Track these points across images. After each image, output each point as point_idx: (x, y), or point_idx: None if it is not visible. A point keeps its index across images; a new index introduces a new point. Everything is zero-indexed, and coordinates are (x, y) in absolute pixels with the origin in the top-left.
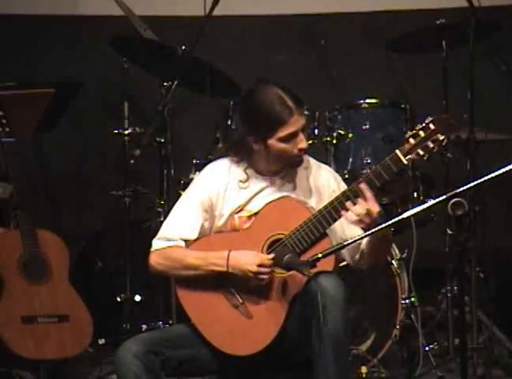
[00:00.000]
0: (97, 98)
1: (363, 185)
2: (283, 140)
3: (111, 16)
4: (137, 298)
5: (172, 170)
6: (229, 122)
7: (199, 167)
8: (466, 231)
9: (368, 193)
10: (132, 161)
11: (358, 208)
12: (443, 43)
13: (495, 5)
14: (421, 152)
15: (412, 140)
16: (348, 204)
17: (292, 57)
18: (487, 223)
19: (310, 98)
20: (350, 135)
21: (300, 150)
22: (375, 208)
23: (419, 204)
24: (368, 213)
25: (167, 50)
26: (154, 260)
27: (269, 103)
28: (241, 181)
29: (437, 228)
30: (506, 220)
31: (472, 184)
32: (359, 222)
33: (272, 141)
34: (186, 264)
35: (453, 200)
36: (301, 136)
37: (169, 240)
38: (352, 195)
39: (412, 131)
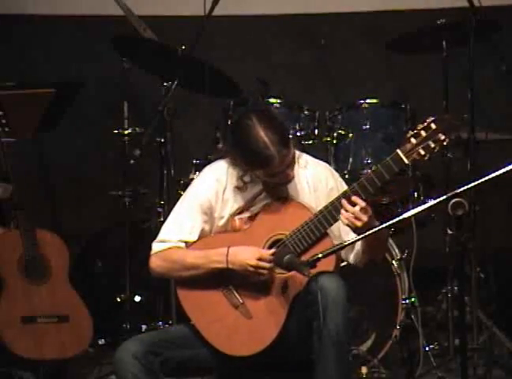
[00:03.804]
0: (97, 98)
1: (354, 198)
2: (267, 176)
3: (111, 16)
4: (137, 298)
5: (172, 170)
6: (229, 122)
7: (199, 167)
8: (466, 231)
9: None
10: (132, 161)
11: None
12: (443, 43)
13: (495, 5)
14: (422, 152)
15: (413, 140)
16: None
17: (292, 57)
18: (487, 223)
19: (310, 98)
20: (350, 135)
21: (286, 179)
22: (365, 215)
23: (419, 204)
24: (357, 217)
25: (167, 50)
26: (154, 262)
27: (253, 147)
28: (237, 187)
29: (437, 228)
30: (506, 220)
31: (472, 184)
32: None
33: (258, 174)
34: (186, 265)
35: (453, 200)
36: (286, 172)
37: (168, 242)
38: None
39: (413, 131)
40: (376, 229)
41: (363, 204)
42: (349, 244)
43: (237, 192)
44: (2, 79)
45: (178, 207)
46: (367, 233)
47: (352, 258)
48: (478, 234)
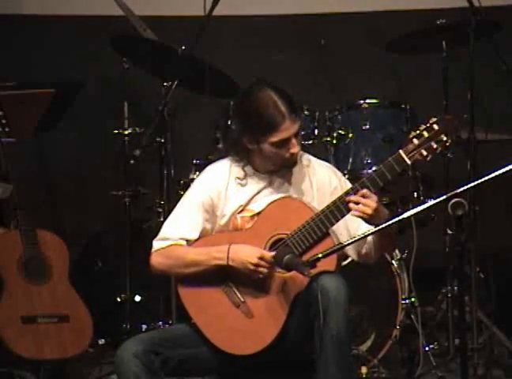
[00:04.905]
0: (97, 98)
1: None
2: (275, 145)
3: (111, 16)
4: (137, 298)
5: (172, 170)
6: (229, 122)
7: (199, 167)
8: (466, 231)
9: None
10: (132, 161)
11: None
12: (443, 43)
13: (494, 5)
14: (424, 153)
15: (415, 141)
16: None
17: (292, 57)
18: (487, 223)
19: (310, 98)
20: (350, 135)
21: (292, 154)
22: (372, 201)
23: (419, 204)
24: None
25: (167, 50)
26: (155, 260)
27: (262, 107)
28: (238, 177)
29: (437, 228)
30: (506, 220)
31: (472, 184)
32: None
33: (264, 145)
34: (187, 262)
35: (453, 201)
36: (293, 141)
37: (169, 240)
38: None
39: (415, 131)
40: (376, 229)
41: (365, 191)
42: (349, 244)
43: (239, 189)
44: (2, 79)
45: (180, 205)
46: (368, 233)
47: (363, 254)
48: (478, 234)
